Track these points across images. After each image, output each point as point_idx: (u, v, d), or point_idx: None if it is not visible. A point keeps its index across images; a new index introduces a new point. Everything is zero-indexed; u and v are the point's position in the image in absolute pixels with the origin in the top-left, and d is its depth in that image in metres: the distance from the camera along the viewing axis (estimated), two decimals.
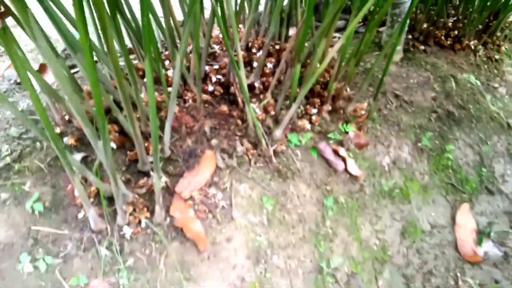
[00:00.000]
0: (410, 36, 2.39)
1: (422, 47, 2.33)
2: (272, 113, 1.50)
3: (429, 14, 2.43)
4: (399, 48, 2.24)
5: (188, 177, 1.23)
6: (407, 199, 1.67)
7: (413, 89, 2.05)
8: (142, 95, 1.32)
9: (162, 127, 1.32)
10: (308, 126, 1.51)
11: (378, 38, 2.40)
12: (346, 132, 1.60)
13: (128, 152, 1.22)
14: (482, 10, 2.36)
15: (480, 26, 2.51)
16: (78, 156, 1.20)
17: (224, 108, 1.44)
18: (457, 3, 2.60)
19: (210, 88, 1.50)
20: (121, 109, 1.31)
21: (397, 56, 2.25)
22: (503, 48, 2.55)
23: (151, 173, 1.21)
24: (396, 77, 2.11)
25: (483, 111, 2.13)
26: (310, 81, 1.28)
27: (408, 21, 2.13)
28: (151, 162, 1.22)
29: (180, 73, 1.08)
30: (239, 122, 1.43)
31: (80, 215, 1.13)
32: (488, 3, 2.39)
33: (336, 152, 1.50)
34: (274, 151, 1.39)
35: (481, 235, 1.76)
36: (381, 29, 2.49)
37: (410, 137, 1.83)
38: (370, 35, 1.59)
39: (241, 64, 1.31)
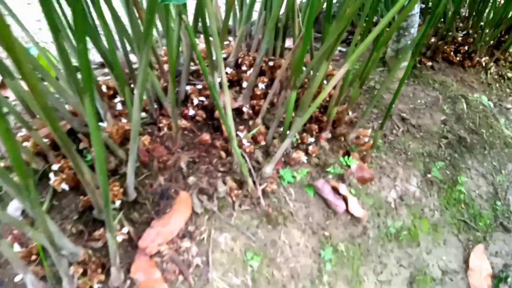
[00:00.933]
0: None
1: (430, 63, 2.10)
2: (263, 143, 1.27)
3: (437, 27, 2.20)
4: (406, 64, 2.01)
5: (157, 226, 1.00)
6: (416, 241, 1.44)
7: (421, 111, 1.82)
8: (104, 124, 1.09)
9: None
10: (304, 158, 1.28)
11: (383, 53, 2.17)
12: (348, 165, 1.37)
13: (81, 197, 0.98)
14: (495, 24, 2.14)
15: (492, 42, 2.29)
16: (14, 206, 0.97)
17: (206, 137, 1.21)
18: (467, 15, 2.38)
19: (191, 112, 1.27)
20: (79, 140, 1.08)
21: (403, 73, 2.02)
22: None
23: None
24: (402, 97, 1.88)
25: (497, 136, 1.91)
26: (308, 111, 1.05)
27: (416, 35, 1.91)
28: (114, 208, 0.99)
29: (140, 103, 0.84)
30: (223, 154, 1.20)
31: (17, 278, 0.90)
32: (502, 17, 2.17)
33: (336, 190, 1.27)
34: (263, 191, 1.16)
35: (497, 280, 1.53)
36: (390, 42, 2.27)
37: (419, 167, 1.60)
38: (378, 54, 1.36)
39: (225, 88, 1.07)
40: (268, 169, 1.16)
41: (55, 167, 1.02)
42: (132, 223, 1.01)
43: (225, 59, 1.50)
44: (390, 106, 1.34)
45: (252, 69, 1.41)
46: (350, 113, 1.57)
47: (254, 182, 1.15)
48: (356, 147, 1.50)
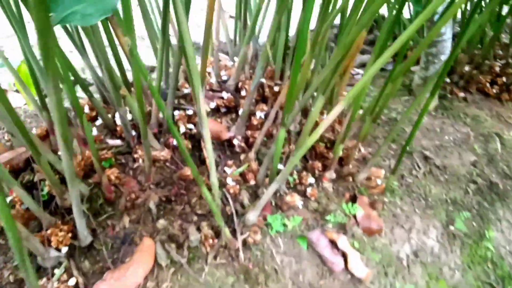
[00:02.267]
0: (448, 80, 1.93)
1: (462, 95, 1.87)
2: (252, 182, 1.09)
3: (473, 54, 1.97)
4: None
5: (110, 279, 0.84)
6: None
7: (448, 149, 1.59)
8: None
9: (92, 199, 0.94)
10: (299, 203, 1.09)
11: (409, 79, 1.96)
12: (353, 214, 1.17)
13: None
14: None
15: None
16: None
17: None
18: (508, 42, 2.12)
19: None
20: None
21: (431, 104, 1.80)
22: None
23: (56, 270, 0.82)
24: (427, 132, 1.66)
25: None
26: (298, 154, 0.87)
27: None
28: (58, 256, 0.84)
29: (64, 144, 0.67)
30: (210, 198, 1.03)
31: None
32: None
33: (334, 244, 1.07)
34: (244, 242, 0.98)
35: None
36: (413, 68, 2.05)
37: (440, 217, 1.37)
38: (394, 85, 1.17)
39: (203, 117, 0.91)
40: (252, 216, 0.98)
41: (6, 199, 0.88)
42: (82, 273, 0.85)
43: (224, 81, 1.34)
44: (407, 142, 1.13)
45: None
46: (362, 149, 1.37)
47: (235, 231, 0.98)
48: (366, 190, 1.29)
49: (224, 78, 1.36)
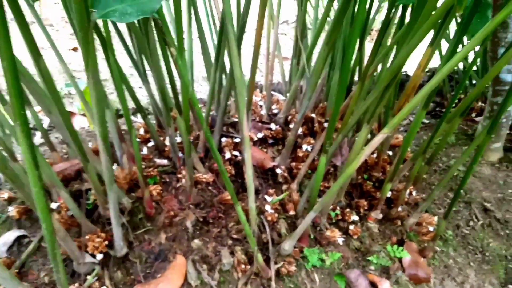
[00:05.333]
0: None
1: None
2: (291, 212, 1.05)
3: None
4: (498, 145, 1.66)
5: None
6: None
7: (511, 203, 1.45)
8: (115, 167, 0.97)
9: (133, 213, 0.95)
10: (340, 239, 1.03)
11: (472, 130, 1.84)
12: (398, 257, 1.08)
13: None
14: None
15: None
16: (2, 241, 0.87)
17: (227, 196, 1.03)
18: None
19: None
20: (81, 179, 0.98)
21: (495, 155, 1.67)
22: None
23: (88, 277, 0.83)
24: (490, 183, 1.52)
25: None
26: (336, 183, 0.83)
27: (511, 115, 1.57)
28: (93, 262, 0.84)
29: (103, 143, 0.69)
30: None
31: None
32: None
33: (374, 287, 0.99)
34: (278, 272, 0.93)
35: None
36: (477, 118, 1.94)
37: (498, 274, 1.22)
38: (450, 126, 1.10)
39: (246, 143, 0.90)
40: (288, 245, 0.94)
41: (54, 205, 0.92)
42: (113, 283, 0.85)
43: (275, 115, 1.35)
44: (460, 186, 1.04)
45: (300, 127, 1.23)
46: (414, 193, 1.28)
47: (268, 259, 0.93)
48: (416, 236, 1.20)
49: (275, 111, 1.37)
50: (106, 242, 0.84)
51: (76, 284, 0.81)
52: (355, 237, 1.08)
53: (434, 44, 1.04)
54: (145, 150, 1.10)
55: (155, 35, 0.91)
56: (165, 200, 0.98)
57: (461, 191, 1.44)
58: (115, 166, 0.99)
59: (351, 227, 1.08)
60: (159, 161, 1.08)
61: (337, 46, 1.21)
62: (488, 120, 1.65)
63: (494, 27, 0.62)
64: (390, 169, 1.14)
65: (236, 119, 1.26)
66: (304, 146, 1.19)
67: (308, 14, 1.40)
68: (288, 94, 1.46)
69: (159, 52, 0.90)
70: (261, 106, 1.35)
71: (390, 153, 1.37)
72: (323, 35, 1.00)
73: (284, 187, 1.11)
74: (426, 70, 2.45)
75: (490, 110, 1.64)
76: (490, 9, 1.04)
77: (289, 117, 1.30)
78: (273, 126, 1.25)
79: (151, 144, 1.17)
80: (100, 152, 0.67)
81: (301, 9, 1.25)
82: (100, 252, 0.84)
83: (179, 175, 1.04)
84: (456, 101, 1.98)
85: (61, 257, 0.63)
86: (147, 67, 1.00)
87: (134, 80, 1.97)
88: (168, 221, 0.95)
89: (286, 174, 1.12)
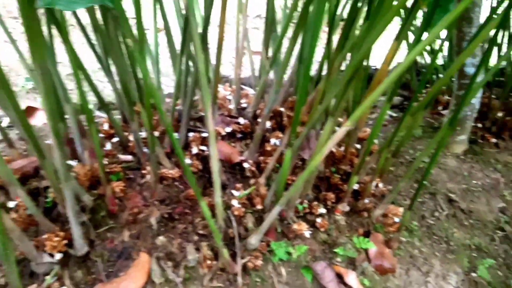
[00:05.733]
0: (480, 125, 1.83)
1: (494, 140, 1.76)
2: (259, 207, 1.04)
3: (508, 100, 1.87)
4: (463, 137, 1.70)
5: None
6: None
7: (475, 194, 1.48)
8: (74, 163, 0.94)
9: (95, 210, 0.92)
10: (307, 232, 1.03)
11: (438, 123, 1.88)
12: (364, 249, 1.09)
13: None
14: None
15: None
16: None
17: (193, 191, 1.01)
18: None
19: (187, 161, 1.09)
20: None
21: (460, 147, 1.71)
22: None
23: (46, 277, 0.80)
24: (455, 175, 1.56)
25: None
26: (301, 177, 0.83)
27: (475, 108, 1.61)
28: (51, 262, 0.81)
29: (54, 134, 0.67)
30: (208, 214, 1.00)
31: None
32: None
33: (340, 278, 1.00)
34: (244, 267, 0.92)
35: None
36: (444, 111, 1.98)
37: (462, 263, 1.25)
38: (415, 119, 1.12)
39: (212, 138, 0.88)
40: (254, 240, 0.93)
41: (11, 203, 0.88)
42: (74, 283, 0.82)
43: (243, 109, 1.34)
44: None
45: (267, 121, 1.22)
46: (381, 185, 1.30)
47: (235, 254, 0.93)
48: (382, 227, 1.21)
49: (244, 106, 1.35)
50: (66, 241, 0.82)
51: (35, 285, 0.78)
52: (322, 229, 1.08)
53: (400, 38, 1.05)
54: (109, 146, 1.07)
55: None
56: (129, 197, 0.96)
57: (427, 182, 1.47)
58: (75, 163, 0.96)
59: (318, 220, 1.08)
60: (123, 157, 1.05)
61: (306, 39, 1.21)
62: (453, 113, 1.69)
63: (453, 20, 0.63)
64: (357, 162, 1.15)
65: (204, 114, 1.24)
66: (273, 140, 1.18)
67: (281, 7, 1.39)
68: (257, 88, 1.45)
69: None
70: (230, 100, 1.34)
71: (359, 146, 1.38)
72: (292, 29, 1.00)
73: (252, 181, 1.10)
74: (396, 63, 2.50)
75: (456, 104, 1.67)
76: (452, 3, 1.05)
77: (258, 111, 1.29)
78: (241, 120, 1.24)
79: (116, 139, 1.14)
80: (53, 148, 0.65)
81: (269, 1, 1.24)
82: (59, 252, 0.81)
83: (144, 171, 1.01)
84: (424, 94, 2.02)
85: (14, 258, 0.61)
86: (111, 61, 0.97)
87: (102, 74, 1.92)
88: (132, 218, 0.93)
89: (253, 169, 1.11)
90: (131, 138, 1.07)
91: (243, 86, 1.77)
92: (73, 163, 0.95)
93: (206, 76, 0.82)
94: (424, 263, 1.20)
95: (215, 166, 0.89)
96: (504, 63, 2.08)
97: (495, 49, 1.78)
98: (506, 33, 1.69)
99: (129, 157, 1.05)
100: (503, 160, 1.66)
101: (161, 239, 0.91)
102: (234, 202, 1.00)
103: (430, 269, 1.19)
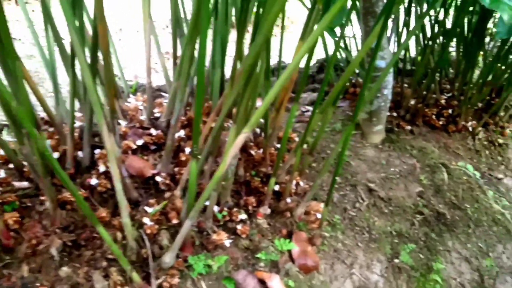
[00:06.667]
0: (395, 114, 1.91)
1: (409, 127, 1.84)
2: (175, 221, 1.00)
3: (418, 88, 1.97)
4: (380, 127, 1.76)
5: None
6: None
7: (394, 181, 1.54)
8: None
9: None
10: (228, 241, 1.01)
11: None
12: (286, 250, 1.09)
13: None
14: (481, 85, 1.89)
15: (480, 105, 2.04)
16: None
17: (103, 213, 0.95)
18: (453, 77, 2.15)
19: (94, 181, 1.02)
20: None
21: (378, 137, 1.77)
22: (507, 131, 2.05)
23: None
24: (374, 164, 1.61)
25: (484, 211, 1.59)
26: (207, 189, 0.79)
27: (388, 99, 1.67)
28: None
29: None
30: (120, 235, 0.94)
31: None
32: (489, 78, 1.93)
33: (263, 284, 0.98)
34: (160, 287, 0.87)
35: None
36: None
37: (385, 250, 1.29)
38: (325, 115, 1.13)
39: (110, 154, 0.83)
40: (168, 258, 0.89)
41: None
42: None
43: (157, 119, 1.28)
44: (335, 175, 1.07)
45: (182, 130, 1.18)
46: (301, 183, 1.30)
47: (149, 275, 0.88)
48: (305, 225, 1.22)
49: (158, 115, 1.30)
50: None
51: None
52: (244, 236, 1.06)
53: (305, 38, 1.05)
54: (2, 173, 0.97)
55: None
56: (26, 227, 0.88)
57: (348, 175, 1.50)
58: None
59: (239, 226, 1.06)
60: (18, 184, 0.96)
61: (216, 43, 1.18)
62: (369, 105, 1.74)
63: (331, 19, 0.62)
64: (275, 163, 1.14)
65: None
66: (187, 149, 1.14)
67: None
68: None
69: None
70: (140, 110, 1.28)
71: (279, 145, 1.38)
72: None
73: (167, 194, 1.06)
74: (315, 61, 2.53)
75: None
76: None
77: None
78: (153, 131, 1.18)
79: (13, 166, 1.04)
80: None
81: (173, 5, 1.20)
82: None
83: (42, 197, 0.93)
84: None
85: None
86: None
87: None
88: (31, 250, 0.85)
89: (168, 181, 1.07)
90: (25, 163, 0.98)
91: (163, 94, 1.71)
92: None
93: (94, 92, 0.76)
94: (348, 255, 1.22)
95: (117, 184, 0.83)
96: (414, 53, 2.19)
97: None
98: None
99: (25, 184, 0.96)
100: (418, 146, 1.74)
101: (65, 269, 0.84)
102: (146, 220, 0.94)
103: (354, 261, 1.22)
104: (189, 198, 0.86)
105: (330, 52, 2.18)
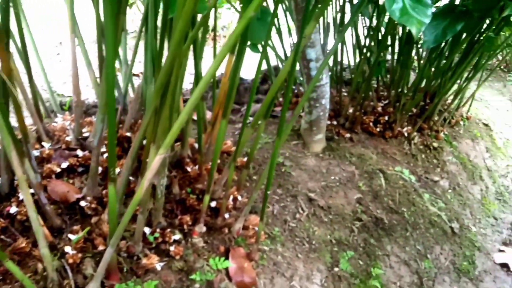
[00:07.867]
0: (335, 122, 1.95)
1: (348, 135, 1.88)
2: (101, 248, 0.95)
3: (355, 96, 2.02)
4: (321, 136, 1.78)
5: None
6: None
7: (333, 189, 1.56)
8: None
9: None
10: (159, 264, 0.97)
11: (298, 125, 1.95)
12: (221, 269, 1.07)
13: None
14: (414, 92, 1.98)
15: (415, 110, 2.12)
16: None
17: (22, 243, 0.89)
18: (389, 84, 2.23)
19: (13, 209, 0.96)
20: None
21: (319, 146, 1.79)
22: (442, 134, 2.15)
23: None
24: (314, 173, 1.63)
25: (420, 214, 1.65)
26: (127, 215, 0.76)
27: (326, 108, 1.70)
28: None
29: None
30: (41, 266, 0.88)
31: None
32: (422, 84, 2.02)
33: None
34: None
35: None
36: (303, 113, 2.06)
37: (325, 259, 1.30)
38: (259, 129, 1.12)
39: (21, 182, 0.77)
40: None
41: None
42: None
43: (85, 139, 1.23)
44: (267, 186, 1.07)
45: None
46: (239, 197, 1.29)
47: None
48: (243, 240, 1.20)
49: (87, 135, 1.24)
50: None
51: None
52: (178, 257, 1.03)
53: (236, 51, 1.05)
54: None
55: None
56: None
57: (289, 186, 1.51)
58: None
59: (172, 248, 1.03)
60: None
61: (147, 58, 1.15)
62: (309, 115, 1.77)
63: (235, 40, 0.62)
64: (209, 179, 1.12)
65: (35, 150, 1.11)
66: (117, 170, 1.10)
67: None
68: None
69: None
70: (67, 130, 1.22)
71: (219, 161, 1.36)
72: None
73: (94, 219, 1.01)
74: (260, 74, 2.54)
75: (309, 106, 1.75)
76: (270, 15, 1.08)
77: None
78: (80, 152, 1.13)
79: None
80: None
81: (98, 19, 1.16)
82: None
83: None
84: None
85: None
86: None
87: None
88: None
89: (94, 205, 1.02)
90: None
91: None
92: None
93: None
94: (288, 268, 1.21)
95: (32, 214, 0.79)
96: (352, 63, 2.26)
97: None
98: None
99: None
100: (357, 153, 1.78)
101: None
102: (68, 249, 0.89)
103: (294, 272, 1.21)
104: (110, 224, 0.82)
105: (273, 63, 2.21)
